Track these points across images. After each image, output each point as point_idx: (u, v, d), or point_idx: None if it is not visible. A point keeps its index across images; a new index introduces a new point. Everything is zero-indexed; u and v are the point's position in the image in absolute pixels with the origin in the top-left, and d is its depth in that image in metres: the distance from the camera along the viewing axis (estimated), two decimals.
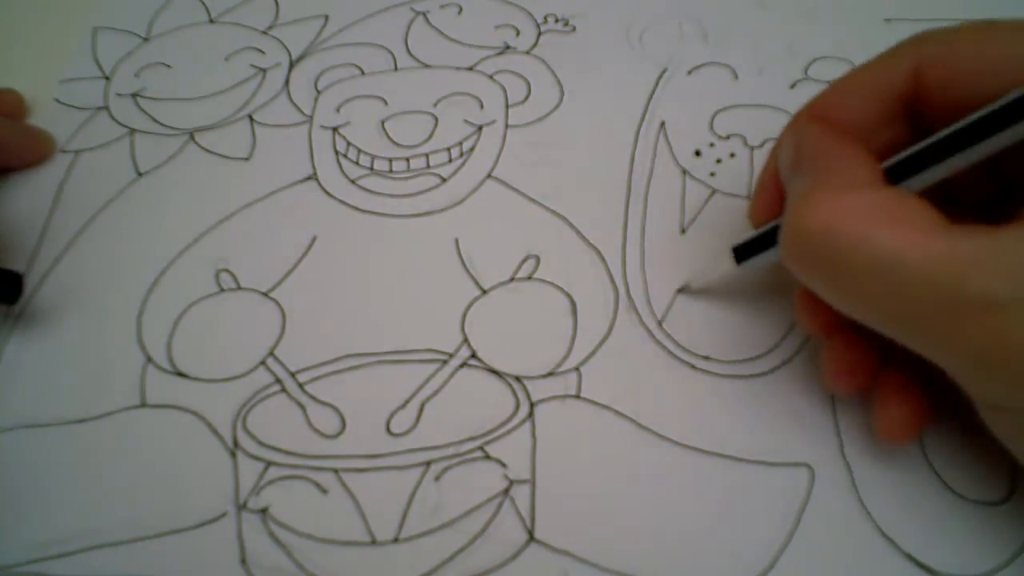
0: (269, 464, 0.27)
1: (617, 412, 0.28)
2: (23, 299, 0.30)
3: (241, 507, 0.26)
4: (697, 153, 0.33)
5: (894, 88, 0.23)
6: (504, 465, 0.27)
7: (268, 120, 0.35)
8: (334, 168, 0.34)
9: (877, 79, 0.24)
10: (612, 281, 0.30)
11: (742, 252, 0.27)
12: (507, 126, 0.35)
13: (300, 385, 0.28)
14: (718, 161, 0.33)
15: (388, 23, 0.38)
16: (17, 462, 0.27)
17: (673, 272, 0.30)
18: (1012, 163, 0.23)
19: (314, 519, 0.26)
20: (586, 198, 0.32)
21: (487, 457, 0.27)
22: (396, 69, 0.37)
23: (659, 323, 0.29)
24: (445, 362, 0.29)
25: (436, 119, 0.35)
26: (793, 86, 0.35)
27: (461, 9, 0.39)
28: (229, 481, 0.27)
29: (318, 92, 0.36)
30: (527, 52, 0.37)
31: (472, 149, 0.34)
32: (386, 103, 0.35)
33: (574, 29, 0.38)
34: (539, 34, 0.37)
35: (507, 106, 0.35)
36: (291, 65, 0.37)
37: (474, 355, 0.29)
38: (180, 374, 0.29)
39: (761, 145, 0.33)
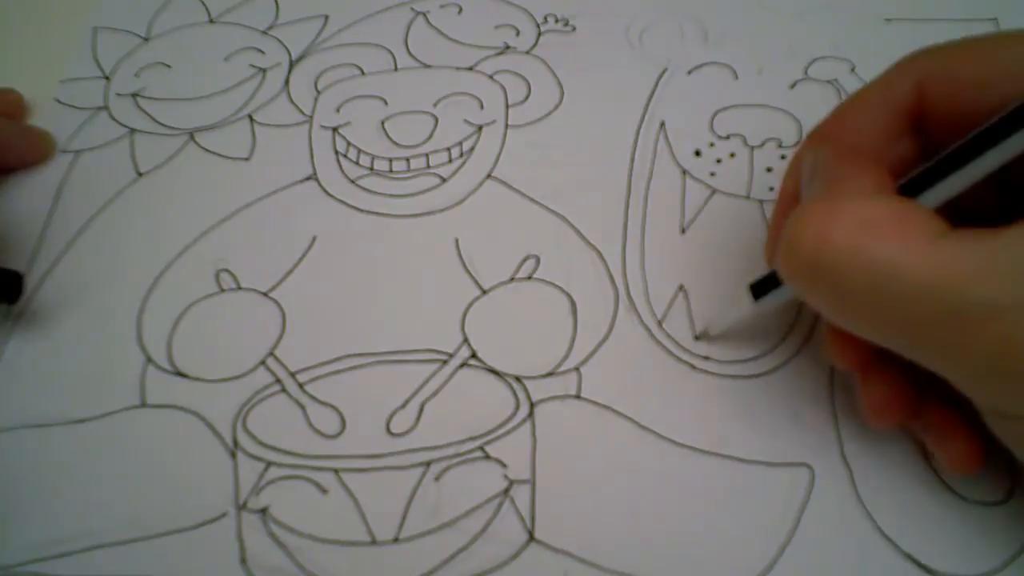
0: (269, 464, 0.27)
1: (617, 412, 0.28)
2: (23, 299, 0.30)
3: (241, 507, 0.26)
4: (697, 153, 0.33)
5: (899, 105, 0.23)
6: (504, 465, 0.27)
7: (268, 120, 0.35)
8: (334, 168, 0.34)
9: (881, 98, 0.24)
10: (612, 281, 0.30)
11: (759, 289, 0.26)
12: (507, 126, 0.35)
13: (300, 385, 0.28)
14: (718, 161, 0.33)
15: (388, 23, 0.38)
16: (17, 462, 0.27)
17: (673, 272, 0.30)
18: (1018, 170, 0.23)
19: (314, 519, 0.26)
20: (586, 198, 0.32)
21: (487, 457, 0.27)
22: (396, 69, 0.37)
23: (659, 323, 0.29)
24: (445, 362, 0.29)
25: (436, 119, 0.35)
26: (793, 86, 0.35)
27: (461, 9, 0.39)
28: (229, 481, 0.27)
29: (318, 92, 0.36)
30: (527, 52, 0.37)
31: (472, 149, 0.34)
32: (386, 103, 0.35)
33: (574, 29, 0.38)
34: (539, 34, 0.37)
35: (507, 106, 0.35)
36: (291, 65, 0.37)
37: (474, 355, 0.29)
38: (180, 374, 0.29)
39: (761, 145, 0.33)
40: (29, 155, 0.34)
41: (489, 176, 0.33)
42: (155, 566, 0.25)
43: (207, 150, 0.35)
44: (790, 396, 0.28)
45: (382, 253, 0.31)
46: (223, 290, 0.31)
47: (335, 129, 0.35)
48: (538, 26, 0.38)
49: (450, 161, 0.34)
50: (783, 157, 0.33)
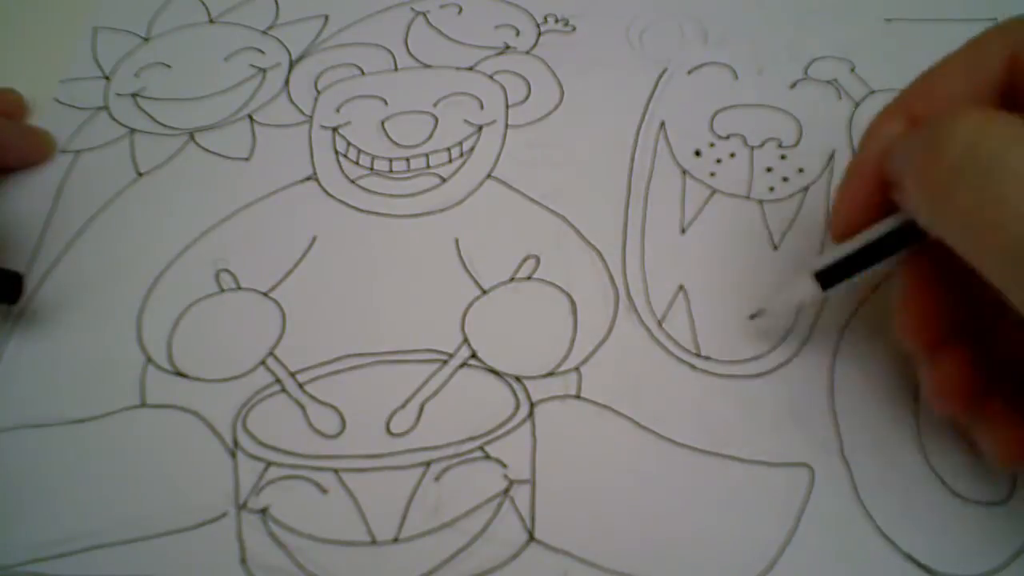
0: (269, 464, 0.27)
1: (617, 412, 0.28)
2: (23, 299, 0.30)
3: (241, 507, 0.26)
4: (697, 153, 0.33)
5: (988, 78, 0.22)
6: (504, 465, 0.27)
7: (268, 120, 0.35)
8: (334, 168, 0.34)
9: (971, 69, 0.23)
10: (612, 281, 0.30)
11: (828, 276, 0.25)
12: (507, 126, 0.35)
13: (300, 385, 0.28)
14: (718, 161, 0.33)
15: (388, 23, 0.38)
16: (17, 462, 0.27)
17: (673, 272, 0.30)
18: None
19: (314, 519, 0.26)
20: (586, 198, 0.32)
21: (487, 457, 0.27)
22: (396, 69, 0.37)
23: (659, 323, 0.29)
24: (445, 362, 0.29)
25: (436, 119, 0.35)
26: (793, 86, 0.35)
27: (461, 9, 0.39)
28: (229, 481, 0.27)
29: (318, 92, 0.36)
30: (527, 52, 0.37)
31: (472, 149, 0.34)
32: (386, 103, 0.35)
33: (574, 29, 0.38)
34: (539, 34, 0.37)
35: (507, 106, 0.35)
36: (291, 65, 0.37)
37: (474, 355, 0.29)
38: (180, 374, 0.29)
39: (761, 145, 0.33)
40: (29, 155, 0.34)
41: (489, 176, 0.33)
42: (155, 566, 0.25)
43: (207, 150, 0.35)
44: (790, 396, 0.28)
45: (382, 253, 0.31)
46: (223, 290, 0.31)
47: (335, 129, 0.35)
48: (538, 26, 0.38)
49: (450, 161, 0.34)
50: (783, 157, 0.33)
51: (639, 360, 0.29)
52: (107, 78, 0.37)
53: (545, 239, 0.31)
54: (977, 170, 0.19)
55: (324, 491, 0.26)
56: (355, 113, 0.35)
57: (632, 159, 0.33)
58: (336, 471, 0.27)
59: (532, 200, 0.32)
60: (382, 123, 0.35)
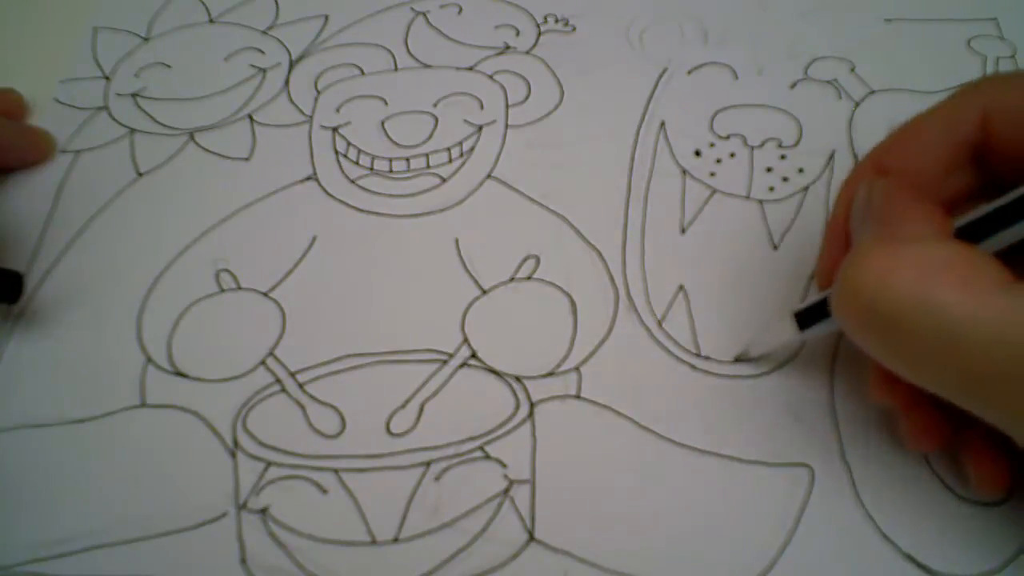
0: (269, 464, 0.27)
1: (617, 412, 0.28)
2: (23, 299, 0.30)
3: (241, 507, 0.26)
4: (697, 153, 0.33)
5: (961, 136, 0.23)
6: (504, 465, 0.27)
7: (268, 120, 0.35)
8: (334, 168, 0.34)
9: (943, 126, 0.23)
10: (612, 281, 0.30)
11: (805, 318, 0.25)
12: (507, 126, 0.35)
13: (300, 385, 0.28)
14: (718, 161, 0.33)
15: (388, 23, 0.38)
16: (17, 462, 0.27)
17: (673, 272, 0.30)
18: None
19: (314, 519, 0.26)
20: (586, 198, 0.32)
21: (487, 457, 0.27)
22: (396, 69, 0.37)
23: (659, 323, 0.29)
24: (445, 362, 0.29)
25: (436, 119, 0.35)
26: (793, 86, 0.35)
27: (461, 9, 0.39)
28: (229, 481, 0.27)
29: (318, 92, 0.36)
30: (527, 52, 0.37)
31: (472, 149, 0.34)
32: (386, 103, 0.35)
33: (574, 29, 0.38)
34: (539, 34, 0.37)
35: (507, 106, 0.35)
36: (291, 65, 0.37)
37: (474, 355, 0.29)
38: (180, 374, 0.29)
39: (761, 145, 0.33)
40: (29, 155, 0.34)
41: (489, 176, 0.33)
42: (155, 566, 0.25)
43: (207, 150, 0.35)
44: (790, 396, 0.28)
45: (382, 253, 0.31)
46: (223, 290, 0.31)
47: (335, 129, 0.35)
48: (538, 26, 0.38)
49: (450, 161, 0.34)
50: (783, 157, 0.33)
51: (639, 360, 0.29)
52: (107, 78, 0.37)
53: (545, 239, 0.31)
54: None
55: (324, 491, 0.26)
56: (355, 113, 0.35)
57: (632, 159, 0.33)
58: (336, 471, 0.27)
59: (532, 200, 0.32)
60: (382, 123, 0.35)
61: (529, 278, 0.31)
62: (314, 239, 0.32)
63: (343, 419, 0.28)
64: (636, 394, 0.28)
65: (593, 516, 0.26)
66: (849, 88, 0.35)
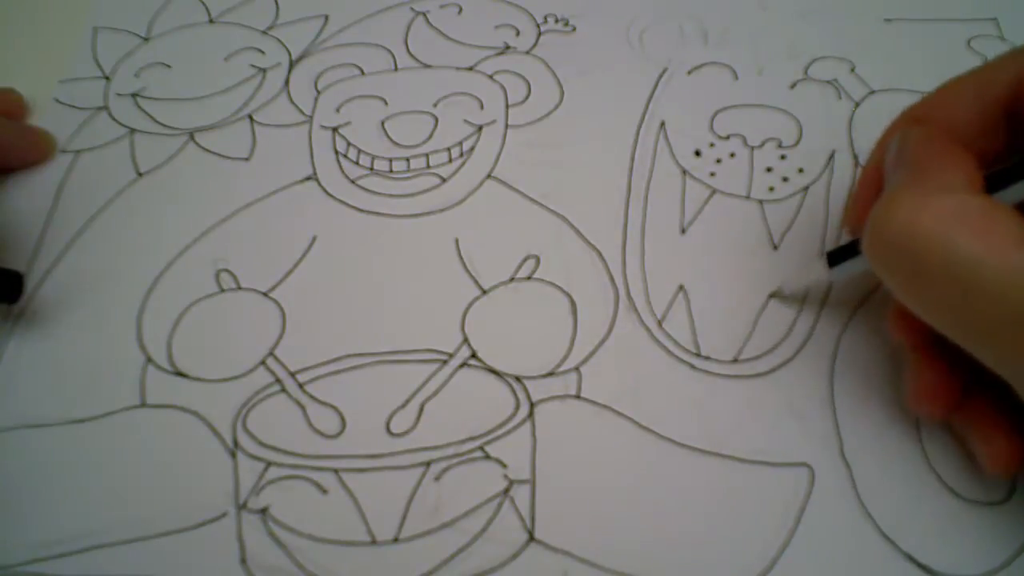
0: (269, 464, 0.27)
1: (617, 412, 0.28)
2: (23, 299, 0.30)
3: (241, 507, 0.26)
4: (697, 153, 0.33)
5: (996, 97, 0.23)
6: (504, 465, 0.27)
7: (268, 120, 0.35)
8: (334, 168, 0.34)
9: (980, 87, 0.24)
10: (612, 281, 0.30)
11: (835, 257, 0.27)
12: (507, 126, 0.35)
13: (300, 385, 0.28)
14: (718, 161, 0.33)
15: (388, 23, 0.38)
16: (18, 462, 0.27)
17: (673, 272, 0.30)
18: None
19: (314, 519, 0.26)
20: (586, 198, 0.32)
21: (487, 457, 0.27)
22: (396, 69, 0.37)
23: (659, 323, 0.29)
24: (445, 362, 0.29)
25: (436, 119, 0.35)
26: (793, 86, 0.35)
27: (461, 9, 0.39)
28: (229, 481, 0.27)
29: (318, 92, 0.36)
30: (527, 52, 0.37)
31: (472, 149, 0.34)
32: (386, 103, 0.35)
33: (574, 29, 0.38)
34: (539, 34, 0.37)
35: (507, 106, 0.35)
36: (291, 65, 0.37)
37: (474, 355, 0.29)
38: (180, 374, 0.29)
39: (761, 145, 0.33)
40: (29, 155, 0.34)
41: (489, 176, 0.33)
42: (155, 566, 0.25)
43: (207, 150, 0.35)
44: (790, 396, 0.28)
45: (382, 253, 0.31)
46: (223, 290, 0.31)
47: (335, 129, 0.35)
48: (538, 26, 0.38)
49: (450, 161, 0.34)
50: (783, 157, 0.33)
51: (639, 360, 0.29)
52: (107, 78, 0.37)
53: (545, 239, 0.31)
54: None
55: (324, 491, 0.26)
56: (355, 113, 0.35)
57: (632, 159, 0.33)
58: (336, 471, 0.27)
59: (532, 200, 0.32)
60: (382, 123, 0.35)
61: (529, 278, 0.31)
62: (314, 239, 0.32)
63: (343, 419, 0.28)
64: (636, 394, 0.28)
65: (593, 516, 0.26)
66: (849, 88, 0.35)
